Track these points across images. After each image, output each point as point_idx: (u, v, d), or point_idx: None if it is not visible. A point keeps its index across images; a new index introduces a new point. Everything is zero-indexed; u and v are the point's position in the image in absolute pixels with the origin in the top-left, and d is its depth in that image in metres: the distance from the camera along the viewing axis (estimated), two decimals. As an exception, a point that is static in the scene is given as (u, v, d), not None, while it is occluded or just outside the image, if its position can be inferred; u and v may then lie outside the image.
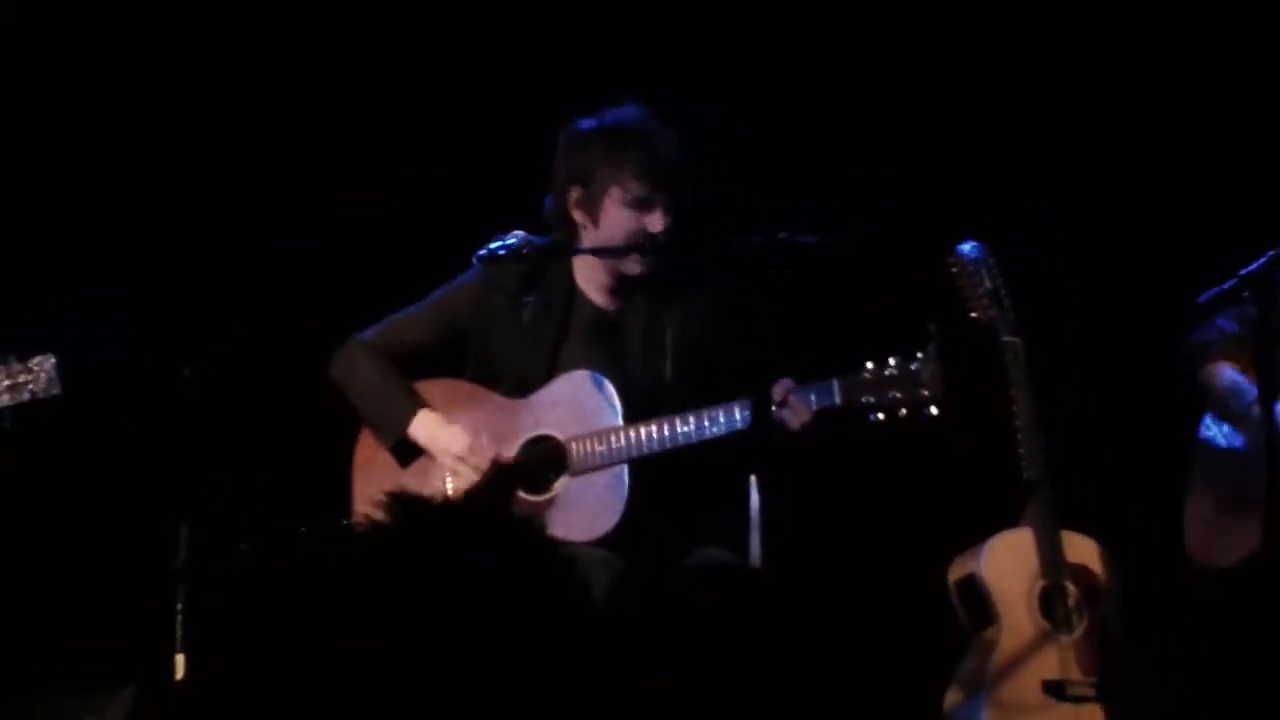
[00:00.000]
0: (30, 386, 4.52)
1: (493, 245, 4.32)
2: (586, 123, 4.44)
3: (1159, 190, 5.34)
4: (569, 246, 4.44)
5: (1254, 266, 4.16)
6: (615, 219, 4.39)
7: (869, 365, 4.27)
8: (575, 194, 4.41)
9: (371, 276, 5.41)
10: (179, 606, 4.69)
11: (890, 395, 4.24)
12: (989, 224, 4.65)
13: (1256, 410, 4.51)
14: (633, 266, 4.42)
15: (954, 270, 4.45)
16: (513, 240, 4.33)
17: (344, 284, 5.44)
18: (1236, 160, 5.20)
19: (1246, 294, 4.18)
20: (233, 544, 4.91)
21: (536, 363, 4.45)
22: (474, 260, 4.33)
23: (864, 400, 4.25)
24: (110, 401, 5.29)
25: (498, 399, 4.48)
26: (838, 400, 4.27)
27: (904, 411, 4.24)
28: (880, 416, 4.25)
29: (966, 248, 4.47)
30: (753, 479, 4.06)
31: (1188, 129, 5.30)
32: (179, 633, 4.68)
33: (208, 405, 5.05)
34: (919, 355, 4.24)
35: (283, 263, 5.50)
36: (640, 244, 4.38)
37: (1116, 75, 5.40)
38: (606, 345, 4.46)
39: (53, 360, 4.53)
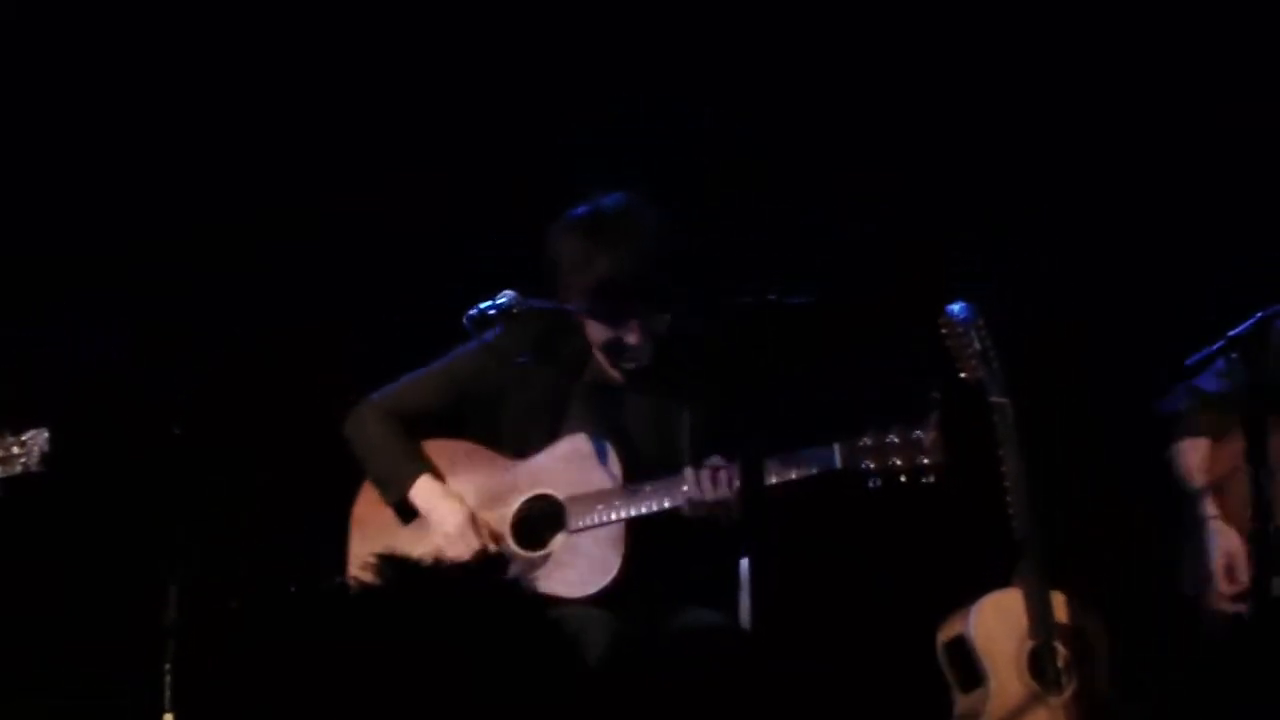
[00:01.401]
0: (22, 460, 4.52)
1: (482, 305, 4.33)
2: (570, 216, 4.42)
3: (1147, 249, 5.36)
4: (570, 311, 4.45)
5: (1242, 328, 4.17)
6: (592, 326, 4.42)
7: (870, 430, 4.28)
8: (561, 291, 4.41)
9: (367, 293, 5.45)
10: (168, 665, 4.68)
11: (891, 461, 4.26)
12: (978, 282, 4.67)
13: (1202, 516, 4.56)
14: (627, 363, 4.44)
15: (943, 331, 4.46)
16: (503, 300, 4.34)
17: (342, 312, 5.48)
18: (1226, 221, 5.22)
19: (1235, 355, 4.19)
20: (222, 602, 4.90)
21: (542, 427, 4.48)
22: (464, 322, 4.34)
23: (864, 465, 4.27)
24: (100, 459, 5.29)
25: (498, 458, 4.51)
26: (838, 464, 4.28)
27: (903, 478, 4.26)
28: (878, 482, 4.27)
29: (956, 308, 4.48)
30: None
31: (1174, 185, 5.32)
32: (168, 692, 4.67)
33: (198, 462, 5.06)
34: (921, 422, 4.26)
35: (278, 286, 5.53)
36: (620, 350, 4.40)
37: (1098, 127, 5.42)
38: (615, 414, 4.49)
39: (45, 435, 4.54)
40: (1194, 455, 4.65)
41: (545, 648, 2.21)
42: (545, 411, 4.49)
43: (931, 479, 4.26)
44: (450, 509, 4.46)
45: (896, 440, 4.26)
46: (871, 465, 4.26)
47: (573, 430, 4.46)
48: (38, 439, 4.53)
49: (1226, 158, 5.25)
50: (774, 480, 4.23)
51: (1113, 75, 5.41)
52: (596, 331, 4.40)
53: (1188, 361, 4.35)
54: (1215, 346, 4.21)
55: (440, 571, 2.28)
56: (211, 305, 5.54)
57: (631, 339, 4.37)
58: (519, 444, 4.50)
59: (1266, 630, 4.23)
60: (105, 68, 5.55)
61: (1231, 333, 4.17)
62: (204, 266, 5.55)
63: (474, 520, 4.45)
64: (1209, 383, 4.65)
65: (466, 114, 5.58)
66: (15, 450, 4.52)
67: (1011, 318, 4.56)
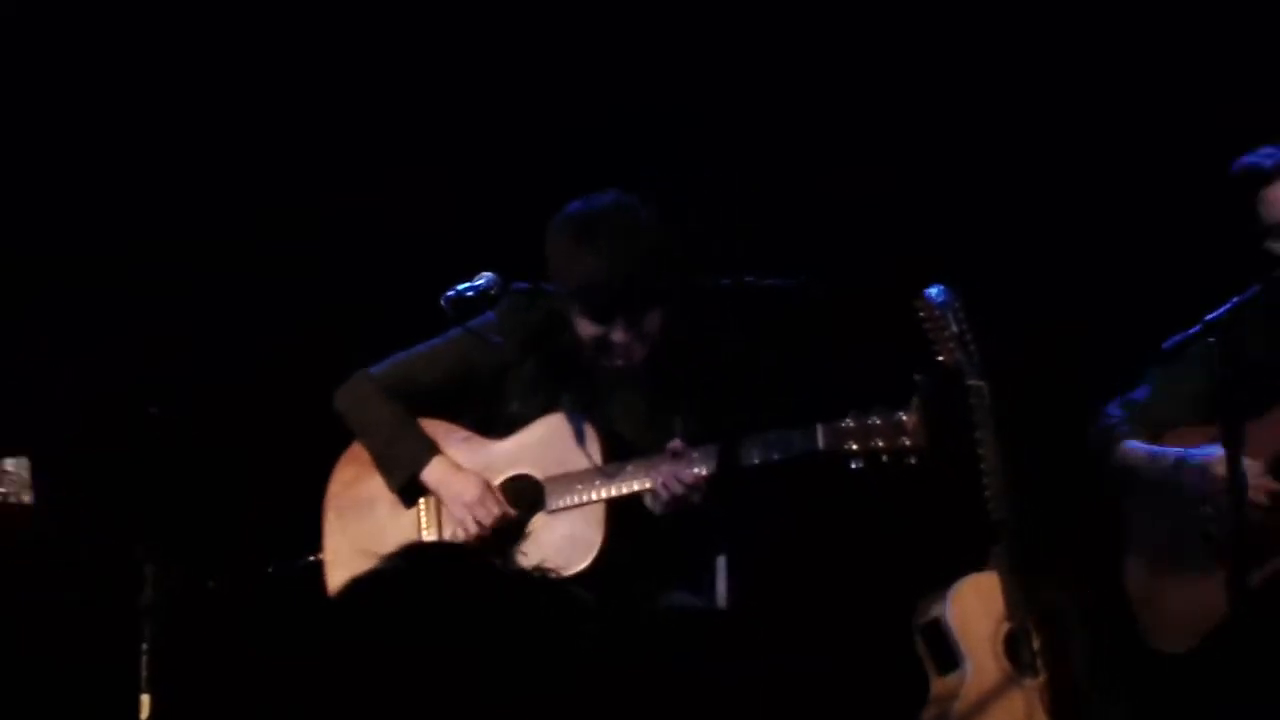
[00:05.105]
0: (2, 489, 4.48)
1: (460, 287, 4.32)
2: (561, 214, 4.36)
3: (1124, 232, 5.37)
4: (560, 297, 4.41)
5: (1218, 312, 4.18)
6: (579, 324, 4.38)
7: (853, 412, 4.28)
8: (553, 286, 4.39)
9: (352, 294, 5.45)
10: (144, 645, 4.68)
11: (873, 443, 4.25)
12: (956, 266, 4.68)
13: (1185, 462, 4.57)
14: (614, 360, 4.39)
15: (921, 314, 4.46)
16: (481, 282, 4.33)
17: (319, 308, 5.47)
18: (1203, 205, 5.23)
19: (1211, 340, 4.20)
20: (199, 582, 4.90)
21: (536, 412, 4.46)
22: (442, 303, 4.32)
23: (847, 447, 4.26)
24: (77, 439, 5.29)
25: (475, 438, 4.50)
26: (820, 445, 4.27)
27: (885, 458, 4.26)
28: (861, 464, 4.26)
29: (933, 291, 4.48)
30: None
31: (1153, 173, 5.33)
32: (144, 672, 4.67)
33: (174, 441, 5.05)
34: (904, 405, 4.26)
35: (255, 287, 5.52)
36: (606, 348, 4.36)
37: (1080, 116, 5.44)
38: (608, 404, 4.46)
39: (26, 463, 4.49)
40: (1143, 443, 4.68)
41: (541, 630, 2.20)
42: (541, 396, 4.46)
43: (914, 461, 4.26)
44: (467, 480, 4.42)
45: (879, 422, 4.26)
46: (854, 447, 4.26)
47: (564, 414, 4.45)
48: (20, 468, 4.49)
49: (1208, 142, 5.26)
50: (756, 462, 4.23)
51: (1091, 56, 5.43)
52: (583, 328, 4.37)
53: (1164, 345, 4.37)
54: (1192, 330, 4.23)
55: (439, 553, 2.28)
56: (187, 286, 5.53)
57: (617, 337, 4.34)
58: (515, 426, 4.48)
59: (1247, 624, 4.24)
60: (105, 68, 5.54)
61: (1208, 317, 4.18)
62: (181, 249, 5.54)
63: (490, 487, 4.43)
64: (1139, 393, 4.70)
65: (457, 106, 5.59)
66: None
67: (989, 301, 4.57)
